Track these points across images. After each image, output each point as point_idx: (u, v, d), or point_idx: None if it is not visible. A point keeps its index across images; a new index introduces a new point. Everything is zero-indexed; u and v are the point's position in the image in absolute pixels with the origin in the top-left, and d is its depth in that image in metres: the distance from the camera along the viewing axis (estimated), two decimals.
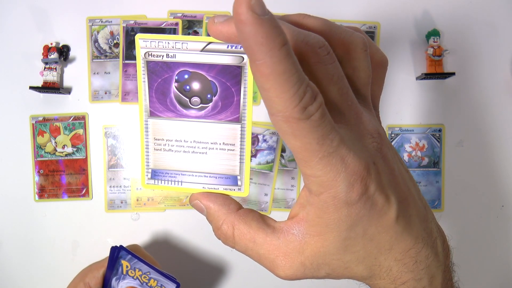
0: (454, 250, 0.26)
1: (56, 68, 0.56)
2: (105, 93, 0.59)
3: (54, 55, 0.56)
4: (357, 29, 0.23)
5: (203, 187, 0.25)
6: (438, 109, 0.59)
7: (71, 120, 0.58)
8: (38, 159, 0.58)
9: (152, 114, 0.24)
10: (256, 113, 0.57)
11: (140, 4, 0.59)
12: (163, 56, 0.23)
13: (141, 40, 0.23)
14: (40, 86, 0.56)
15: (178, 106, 0.24)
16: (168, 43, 0.23)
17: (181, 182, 0.25)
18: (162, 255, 0.58)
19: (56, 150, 0.58)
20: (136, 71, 0.26)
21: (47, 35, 0.58)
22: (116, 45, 0.59)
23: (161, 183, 0.25)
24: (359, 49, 0.22)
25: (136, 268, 0.44)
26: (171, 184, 0.25)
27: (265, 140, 0.58)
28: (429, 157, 0.59)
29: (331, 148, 0.19)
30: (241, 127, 0.24)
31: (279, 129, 0.19)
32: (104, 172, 0.58)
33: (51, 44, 0.57)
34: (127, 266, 0.44)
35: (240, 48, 0.22)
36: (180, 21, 0.58)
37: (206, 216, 0.24)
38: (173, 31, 0.59)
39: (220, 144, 0.24)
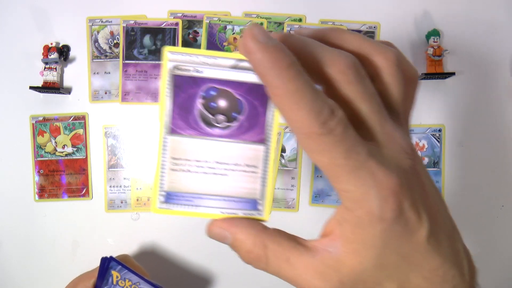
0: None
1: (56, 68, 0.56)
2: (105, 93, 0.59)
3: (54, 55, 0.56)
4: (390, 43, 0.23)
5: (221, 212, 0.23)
6: (438, 109, 0.59)
7: (71, 120, 0.58)
8: (38, 159, 0.58)
9: (172, 131, 0.22)
10: None
11: (140, 4, 0.59)
12: (190, 71, 0.22)
13: (169, 53, 0.22)
14: (40, 86, 0.56)
15: (201, 123, 0.22)
16: (198, 57, 0.22)
17: (197, 206, 0.23)
18: (162, 255, 0.58)
19: (56, 150, 0.58)
20: (160, 84, 0.25)
21: (47, 35, 0.58)
22: (116, 45, 0.59)
23: (176, 207, 0.23)
24: (392, 64, 0.21)
25: (126, 278, 0.44)
26: (187, 208, 0.23)
27: None
28: (429, 157, 0.59)
29: (358, 162, 0.19)
30: (266, 148, 0.23)
31: (305, 148, 0.19)
32: (104, 172, 0.58)
33: (51, 44, 0.57)
34: (117, 277, 0.44)
35: None
36: (180, 21, 0.58)
37: (231, 243, 0.23)
38: (173, 31, 0.59)
39: (242, 165, 0.23)
